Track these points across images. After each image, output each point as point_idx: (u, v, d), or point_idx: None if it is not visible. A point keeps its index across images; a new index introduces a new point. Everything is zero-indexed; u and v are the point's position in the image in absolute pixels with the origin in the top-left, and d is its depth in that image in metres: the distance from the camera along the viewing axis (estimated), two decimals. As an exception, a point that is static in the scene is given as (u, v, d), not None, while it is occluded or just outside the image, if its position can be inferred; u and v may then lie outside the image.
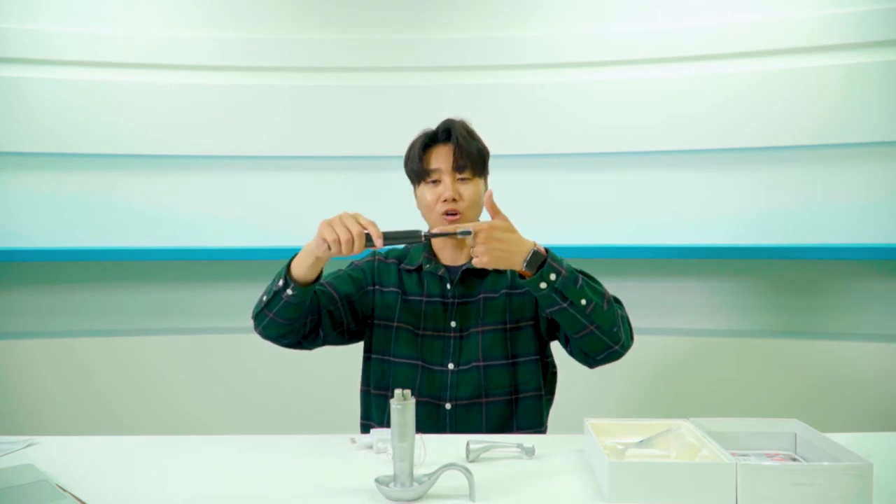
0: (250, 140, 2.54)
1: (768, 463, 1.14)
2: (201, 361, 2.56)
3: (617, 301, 1.44)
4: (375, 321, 1.56)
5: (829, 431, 1.17)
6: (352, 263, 1.62)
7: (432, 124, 1.56)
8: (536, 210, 2.51)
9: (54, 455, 1.27)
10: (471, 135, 1.53)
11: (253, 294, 2.60)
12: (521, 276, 1.33)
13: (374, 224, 1.30)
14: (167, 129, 2.52)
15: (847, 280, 2.41)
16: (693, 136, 2.43)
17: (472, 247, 1.31)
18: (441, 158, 1.50)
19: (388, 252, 1.62)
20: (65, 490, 1.08)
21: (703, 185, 2.46)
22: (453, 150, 1.49)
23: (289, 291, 1.37)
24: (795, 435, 1.23)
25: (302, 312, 1.42)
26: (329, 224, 1.30)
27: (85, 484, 1.12)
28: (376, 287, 1.57)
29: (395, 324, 1.54)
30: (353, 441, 1.33)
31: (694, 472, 1.03)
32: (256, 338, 2.61)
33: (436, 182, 1.50)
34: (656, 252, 2.41)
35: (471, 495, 1.05)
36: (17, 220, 2.52)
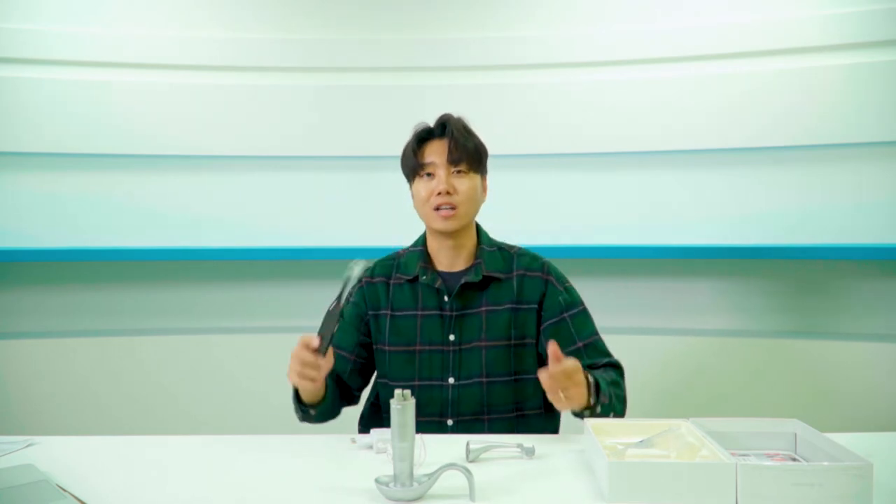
0: (250, 140, 2.54)
1: (768, 463, 1.14)
2: (201, 361, 2.56)
3: (619, 370, 1.48)
4: (373, 346, 1.55)
5: (829, 431, 1.17)
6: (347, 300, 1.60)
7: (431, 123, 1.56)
8: (536, 210, 2.51)
9: (54, 455, 1.27)
10: (467, 130, 1.51)
11: (253, 294, 2.61)
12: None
13: (306, 347, 1.26)
14: (167, 129, 2.51)
15: (847, 280, 2.40)
16: (693, 136, 2.43)
17: (556, 393, 1.25)
18: (436, 152, 1.48)
19: (373, 270, 1.56)
20: (65, 490, 1.08)
21: (702, 185, 2.46)
22: (448, 143, 1.47)
23: (312, 412, 1.42)
24: (795, 435, 1.23)
25: (336, 402, 1.49)
26: (291, 373, 1.30)
27: (85, 484, 1.12)
28: (370, 313, 1.54)
29: (387, 347, 1.51)
30: (353, 441, 1.33)
31: (694, 472, 1.03)
32: (256, 338, 2.62)
33: (430, 176, 1.48)
34: (655, 252, 2.41)
35: (471, 495, 1.05)
36: (17, 220, 2.51)
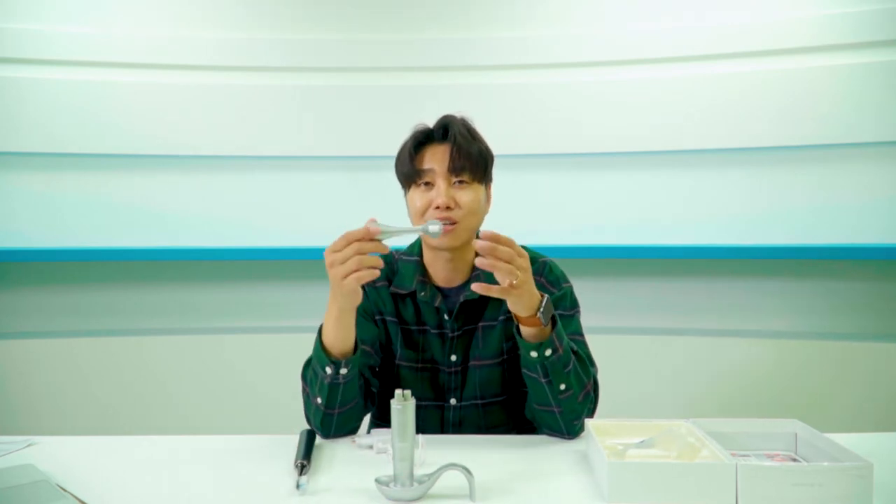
0: (250, 140, 2.54)
1: (768, 463, 1.14)
2: (201, 361, 2.56)
3: (592, 367, 1.34)
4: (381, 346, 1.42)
5: (829, 431, 1.17)
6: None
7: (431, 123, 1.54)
8: (537, 210, 2.52)
9: (54, 455, 1.27)
10: (472, 134, 1.35)
11: (253, 294, 2.58)
12: (517, 325, 1.21)
13: (369, 231, 1.14)
14: (167, 129, 2.52)
15: (847, 280, 2.41)
16: (693, 136, 2.44)
17: (497, 268, 1.12)
18: (436, 158, 1.32)
19: None
20: (65, 490, 1.08)
21: (702, 185, 2.46)
22: (450, 149, 1.31)
23: (343, 371, 1.23)
24: (795, 435, 1.23)
25: (361, 383, 1.30)
26: (333, 266, 1.16)
27: (85, 484, 1.11)
28: (375, 316, 1.41)
29: (396, 361, 1.41)
30: (353, 441, 1.33)
31: (694, 472, 1.03)
32: (256, 338, 2.60)
33: (428, 185, 1.32)
34: (655, 252, 2.41)
35: (471, 495, 1.05)
36: (17, 220, 2.52)
